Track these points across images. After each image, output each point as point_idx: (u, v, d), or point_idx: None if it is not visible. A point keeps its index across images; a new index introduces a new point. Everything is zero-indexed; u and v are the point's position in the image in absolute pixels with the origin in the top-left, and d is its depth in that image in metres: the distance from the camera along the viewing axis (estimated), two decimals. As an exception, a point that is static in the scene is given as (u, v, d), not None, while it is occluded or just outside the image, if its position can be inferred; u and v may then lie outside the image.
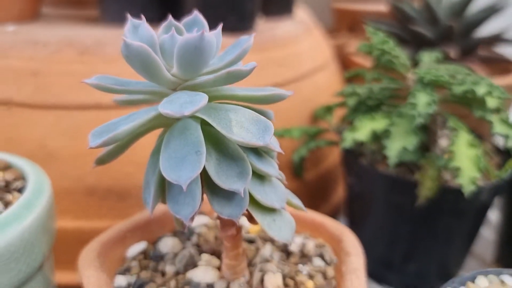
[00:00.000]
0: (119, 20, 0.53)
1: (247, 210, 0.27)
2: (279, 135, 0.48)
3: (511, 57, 0.63)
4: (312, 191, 0.56)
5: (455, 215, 0.44)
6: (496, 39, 0.59)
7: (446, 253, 0.47)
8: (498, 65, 0.64)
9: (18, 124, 0.43)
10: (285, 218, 0.27)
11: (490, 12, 0.60)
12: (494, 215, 0.60)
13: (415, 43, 0.60)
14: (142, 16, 0.25)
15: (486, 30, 0.62)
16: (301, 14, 0.69)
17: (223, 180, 0.24)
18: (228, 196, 0.25)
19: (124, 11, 0.51)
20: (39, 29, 0.51)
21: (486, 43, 0.61)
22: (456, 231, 0.45)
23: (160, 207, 0.37)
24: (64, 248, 0.41)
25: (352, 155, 0.47)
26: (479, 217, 0.46)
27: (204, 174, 0.25)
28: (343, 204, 0.57)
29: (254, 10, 0.51)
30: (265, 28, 0.55)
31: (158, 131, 0.29)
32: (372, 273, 0.50)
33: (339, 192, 0.61)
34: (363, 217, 0.48)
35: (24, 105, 0.43)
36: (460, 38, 0.59)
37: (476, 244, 0.54)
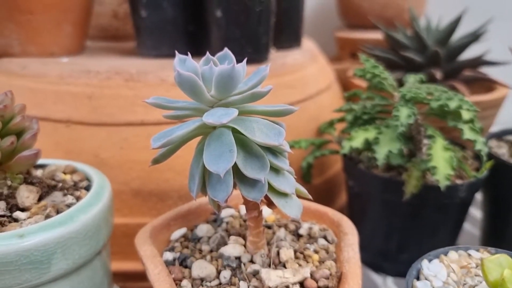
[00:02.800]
0: (154, 53, 0.63)
1: (266, 198, 0.36)
2: (290, 146, 0.56)
3: (493, 77, 0.72)
4: (319, 195, 0.64)
5: (438, 210, 0.52)
6: (477, 61, 0.68)
7: (434, 244, 0.54)
8: (482, 84, 0.73)
9: (76, 138, 0.53)
10: (295, 201, 0.35)
11: (471, 38, 0.69)
12: (478, 213, 0.68)
13: (406, 67, 0.69)
14: (189, 53, 0.35)
15: (471, 53, 0.71)
16: (308, 44, 0.78)
17: (249, 171, 0.32)
18: (252, 184, 0.33)
19: (158, 46, 0.62)
20: (88, 60, 0.61)
21: (469, 66, 0.70)
22: (441, 224, 0.53)
23: (195, 203, 0.46)
24: (113, 241, 0.50)
25: (352, 162, 0.56)
26: (461, 212, 0.54)
27: (235, 168, 0.33)
28: (346, 206, 0.65)
29: (268, 43, 0.59)
30: (277, 57, 0.64)
31: (193, 145, 0.37)
32: (371, 263, 0.58)
33: (343, 196, 0.70)
34: (362, 215, 0.57)
35: (81, 123, 0.53)
36: (446, 62, 0.68)
37: (463, 239, 0.61)
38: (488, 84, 0.72)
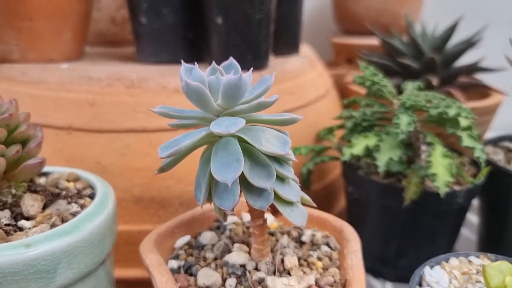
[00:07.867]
0: (153, 60, 0.63)
1: (271, 206, 0.36)
2: (290, 152, 0.57)
3: (488, 83, 0.73)
4: (318, 200, 0.64)
5: (437, 216, 0.52)
6: (472, 68, 0.69)
7: (432, 250, 0.55)
8: (477, 90, 0.74)
9: (77, 145, 0.52)
10: (300, 209, 0.36)
11: (467, 45, 0.70)
12: (474, 219, 0.69)
13: (403, 73, 0.69)
14: (195, 63, 0.35)
15: (467, 59, 0.72)
16: (306, 50, 0.79)
17: (256, 180, 0.33)
18: (259, 192, 0.34)
19: (157, 53, 0.62)
20: (88, 66, 0.61)
21: (465, 72, 0.71)
22: (439, 230, 0.54)
23: (198, 210, 0.46)
24: (114, 249, 0.49)
25: (351, 168, 0.57)
26: (459, 218, 0.55)
27: (241, 177, 0.34)
28: (344, 211, 0.66)
29: (268, 49, 0.60)
30: (277, 63, 0.64)
31: (195, 152, 0.37)
32: (370, 269, 0.58)
33: (341, 202, 0.70)
34: (361, 220, 0.57)
35: (82, 129, 0.52)
36: (442, 68, 0.69)
37: (460, 244, 0.62)
38: (483, 91, 0.73)
